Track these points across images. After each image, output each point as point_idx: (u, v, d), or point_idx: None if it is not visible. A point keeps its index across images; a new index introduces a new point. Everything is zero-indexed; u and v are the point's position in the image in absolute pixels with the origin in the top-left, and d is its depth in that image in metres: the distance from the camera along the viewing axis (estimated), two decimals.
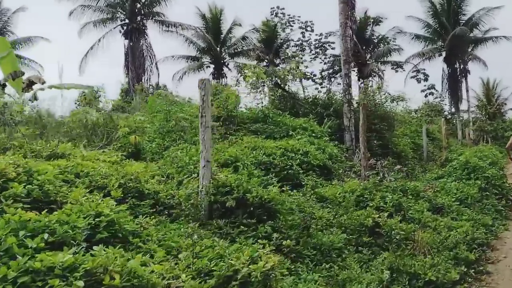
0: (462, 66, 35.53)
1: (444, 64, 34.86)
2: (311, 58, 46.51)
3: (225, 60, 33.92)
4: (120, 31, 26.62)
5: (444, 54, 34.70)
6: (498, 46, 41.61)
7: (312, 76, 36.02)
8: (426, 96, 44.31)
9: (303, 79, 29.84)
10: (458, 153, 14.47)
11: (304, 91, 22.54)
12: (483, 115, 39.80)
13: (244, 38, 33.30)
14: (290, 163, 7.72)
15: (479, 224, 6.83)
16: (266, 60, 42.40)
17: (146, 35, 27.19)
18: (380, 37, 42.41)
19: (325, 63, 45.13)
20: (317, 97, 14.06)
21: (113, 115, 9.19)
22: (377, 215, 5.64)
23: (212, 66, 33.40)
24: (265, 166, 7.33)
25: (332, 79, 33.86)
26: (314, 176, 8.02)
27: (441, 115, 45.38)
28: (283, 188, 6.41)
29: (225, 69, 34.92)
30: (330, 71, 43.37)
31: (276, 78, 13.59)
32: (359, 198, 6.74)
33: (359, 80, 42.56)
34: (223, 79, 36.48)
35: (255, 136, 10.07)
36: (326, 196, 6.82)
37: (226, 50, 34.11)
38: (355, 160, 11.78)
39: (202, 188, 4.70)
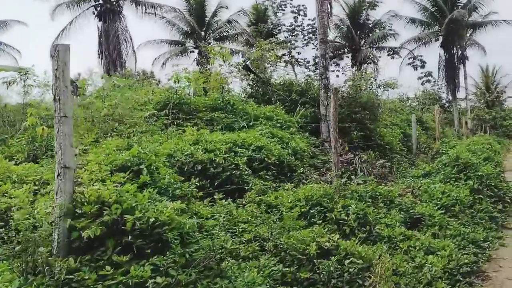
0: (460, 52, 33.86)
1: (441, 50, 33.17)
2: (303, 43, 45.03)
3: (210, 45, 32.16)
4: (94, 13, 24.86)
5: (441, 39, 32.97)
6: (498, 31, 39.98)
7: (305, 62, 34.35)
8: (422, 83, 42.79)
9: (295, 66, 28.21)
10: (451, 145, 12.98)
11: (296, 78, 21.07)
12: (482, 103, 38.24)
13: (230, 21, 31.52)
14: (236, 162, 6.22)
15: (467, 241, 5.36)
16: (255, 45, 40.83)
17: (122, 16, 25.44)
18: (375, 21, 40.70)
19: (317, 49, 43.80)
20: (293, 82, 12.47)
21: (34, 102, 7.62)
22: (326, 238, 4.14)
23: (196, 51, 31.66)
24: (195, 167, 5.83)
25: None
26: (268, 176, 6.52)
27: (438, 103, 43.93)
28: (214, 196, 4.94)
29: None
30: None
31: (247, 61, 12.02)
32: (315, 209, 5.25)
33: (353, 66, 41.13)
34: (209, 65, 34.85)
35: (210, 126, 8.57)
36: (274, 205, 5.34)
37: (211, 34, 32.35)
38: (331, 154, 10.28)
39: (55, 208, 3.19)
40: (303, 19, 44.70)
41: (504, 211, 7.53)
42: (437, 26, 33.13)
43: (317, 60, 40.04)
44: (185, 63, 31.89)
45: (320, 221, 5.01)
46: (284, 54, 40.70)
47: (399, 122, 17.26)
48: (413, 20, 33.45)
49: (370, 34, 39.95)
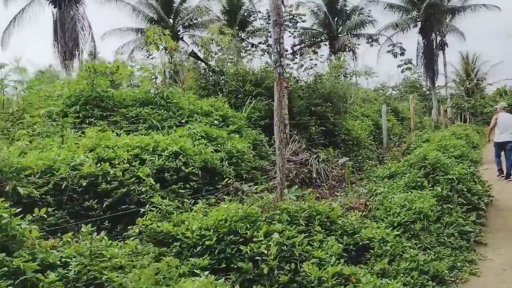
0: (439, 39, 32.86)
1: (420, 36, 32.08)
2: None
3: (179, 33, 30.50)
4: None
5: (419, 25, 31.88)
6: (477, 16, 39.10)
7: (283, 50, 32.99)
8: (402, 71, 41.77)
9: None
10: (423, 139, 11.83)
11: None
12: (461, 90, 37.43)
13: (199, 7, 29.82)
14: (135, 173, 4.85)
15: (426, 275, 4.11)
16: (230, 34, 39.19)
17: (80, 3, 23.60)
18: (352, 8, 39.40)
19: (294, 37, 42.28)
20: (249, 71, 11.09)
21: None
22: None
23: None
24: (79, 183, 4.44)
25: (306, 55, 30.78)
26: (185, 190, 5.17)
27: (419, 91, 43.04)
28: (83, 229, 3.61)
29: (181, 43, 31.56)
30: (302, 45, 40.53)
31: (195, 47, 10.59)
32: (227, 239, 3.94)
33: (330, 54, 39.87)
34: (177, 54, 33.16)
35: (136, 125, 7.17)
36: (171, 237, 4.00)
37: (180, 22, 30.66)
38: (277, 157, 8.98)
39: None
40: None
41: (478, 222, 6.35)
42: (415, 12, 32.02)
43: (295, 48, 38.53)
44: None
45: (228, 260, 3.71)
46: (260, 43, 39.38)
47: (371, 113, 16.09)
48: (391, 6, 32.27)
49: (347, 21, 38.71)
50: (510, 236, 6.22)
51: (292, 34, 42.08)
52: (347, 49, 39.69)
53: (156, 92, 8.04)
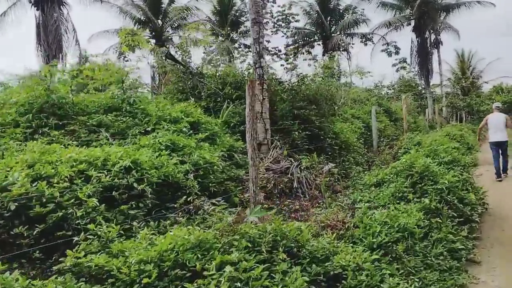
0: (434, 37, 32.35)
1: (413, 34, 31.55)
2: (272, 32, 42.90)
3: (168, 35, 29.85)
4: (30, 1, 22.35)
5: (412, 23, 31.35)
6: (472, 14, 38.52)
7: (277, 52, 32.26)
8: (397, 70, 41.21)
9: (265, 55, 26.14)
10: (414, 142, 11.24)
11: (267, 69, 19.24)
12: (456, 89, 36.88)
13: (188, 8, 29.18)
14: (76, 193, 4.23)
15: None
16: (221, 35, 38.61)
17: (63, 4, 22.95)
18: (346, 7, 38.86)
19: (287, 37, 41.70)
20: (229, 73, 10.47)
21: None
22: None
23: (153, 41, 29.29)
24: (7, 206, 3.82)
25: (299, 55, 30.23)
26: (135, 211, 4.55)
27: (414, 90, 42.48)
28: None
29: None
30: (296, 45, 39.93)
31: (170, 47, 9.99)
32: (171, 274, 3.32)
33: (324, 54, 39.33)
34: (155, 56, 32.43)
35: (95, 134, 6.55)
36: (104, 273, 3.39)
37: (169, 23, 30.01)
38: (265, 161, 8.39)
39: None
40: (273, 6, 42.82)
41: (471, 237, 5.75)
42: (408, 10, 31.49)
43: (288, 49, 37.88)
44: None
45: None
46: (188, 35, 38.70)
47: (362, 114, 15.49)
48: (383, 4, 31.74)
49: (341, 21, 38.17)
50: (506, 252, 5.63)
51: (285, 34, 41.59)
52: (341, 49, 39.27)
53: (122, 97, 7.42)
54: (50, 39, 21.58)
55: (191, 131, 6.95)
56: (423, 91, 38.31)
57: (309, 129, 9.69)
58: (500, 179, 10.98)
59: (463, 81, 37.83)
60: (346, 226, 4.85)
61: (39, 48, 22.07)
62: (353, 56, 41.87)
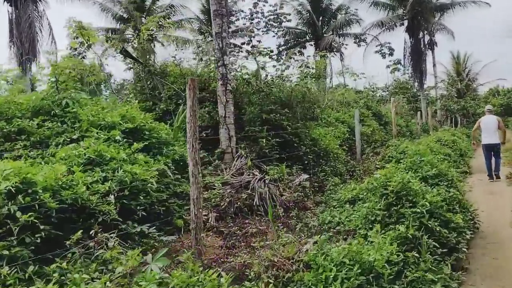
0: (429, 38, 31.39)
1: (406, 35, 30.57)
2: (263, 32, 41.83)
3: (152, 33, 28.72)
4: None
5: (406, 23, 30.38)
6: (468, 15, 37.68)
7: (269, 52, 31.18)
8: (391, 72, 40.22)
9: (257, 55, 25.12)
10: (400, 150, 10.20)
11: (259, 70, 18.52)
12: (451, 91, 35.93)
13: (173, 5, 28.12)
14: None
15: None
16: (209, 34, 37.48)
17: (39, 1, 21.85)
18: (338, 6, 37.87)
19: (278, 37, 40.71)
20: (193, 72, 9.39)
21: None
22: None
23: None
24: None
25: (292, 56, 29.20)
26: (20, 248, 3.47)
27: (409, 92, 41.50)
28: None
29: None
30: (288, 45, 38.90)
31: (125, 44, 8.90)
32: None
33: (315, 55, 38.24)
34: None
35: (12, 143, 5.47)
36: None
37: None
38: (226, 173, 7.29)
39: None
40: (264, 5, 41.71)
41: (456, 274, 4.69)
42: (401, 9, 30.52)
43: (281, 49, 36.77)
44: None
45: None
46: (243, 43, 37.73)
47: (348, 118, 14.45)
48: (376, 3, 30.73)
49: (333, 20, 37.19)
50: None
51: (276, 34, 40.65)
52: (334, 50, 38.27)
53: (53, 98, 6.33)
54: (23, 36, 20.44)
55: (128, 140, 5.86)
56: (418, 93, 37.39)
57: (281, 135, 8.62)
58: (492, 180, 11.44)
59: (458, 83, 36.88)
60: (295, 267, 3.78)
61: (12, 45, 20.93)
62: (346, 57, 40.94)
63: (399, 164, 6.66)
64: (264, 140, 7.89)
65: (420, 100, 31.96)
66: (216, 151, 7.74)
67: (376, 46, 36.48)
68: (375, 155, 12.26)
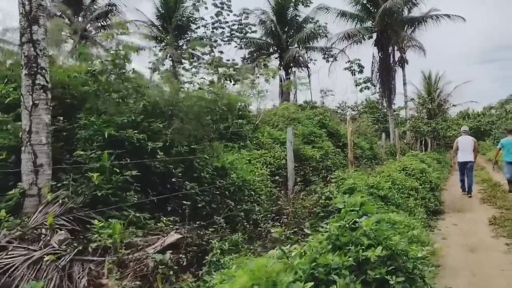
0: (397, 52, 29.02)
1: (375, 49, 28.08)
2: (224, 42, 38.71)
3: (89, 34, 25.25)
4: None
5: (374, 36, 27.91)
6: (440, 33, 35.77)
7: (232, 64, 27.68)
8: (361, 90, 37.75)
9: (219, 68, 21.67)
10: (346, 186, 7.07)
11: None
12: (421, 112, 33.55)
13: (112, 4, 24.77)
14: None
15: None
16: (164, 40, 34.27)
17: None
18: (305, 18, 35.39)
19: (240, 48, 37.74)
20: None
21: None
22: None
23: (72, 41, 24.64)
24: None
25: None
26: None
27: (380, 111, 39.05)
28: None
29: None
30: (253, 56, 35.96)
31: None
32: None
33: (280, 68, 35.53)
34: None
35: None
36: None
37: (94, 24, 25.51)
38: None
39: None
40: (228, 14, 38.84)
41: None
42: (370, 21, 28.07)
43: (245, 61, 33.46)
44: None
45: None
46: (204, 53, 34.58)
47: (279, 136, 11.22)
48: (343, 13, 28.16)
49: (299, 33, 34.59)
50: None
51: (239, 44, 37.47)
52: (301, 65, 35.57)
53: None
54: None
55: None
56: (387, 112, 34.97)
57: (147, 164, 5.31)
58: (465, 193, 12.91)
59: (429, 104, 34.61)
60: None
61: None
62: (314, 73, 38.20)
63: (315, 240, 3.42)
64: (97, 174, 4.52)
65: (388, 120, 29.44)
66: (11, 192, 4.36)
67: (346, 62, 34.03)
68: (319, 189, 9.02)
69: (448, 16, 26.33)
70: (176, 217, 5.36)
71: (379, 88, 28.19)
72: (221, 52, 35.67)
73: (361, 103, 44.70)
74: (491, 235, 7.97)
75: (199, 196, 6.00)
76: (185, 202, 5.16)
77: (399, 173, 10.63)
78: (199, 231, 5.13)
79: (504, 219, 8.79)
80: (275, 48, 35.63)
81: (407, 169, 11.28)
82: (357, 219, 3.68)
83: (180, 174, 5.67)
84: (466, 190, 12.73)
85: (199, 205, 5.95)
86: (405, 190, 9.57)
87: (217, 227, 5.65)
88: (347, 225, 3.60)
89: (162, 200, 5.55)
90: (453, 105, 36.23)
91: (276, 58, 36.34)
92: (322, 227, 3.68)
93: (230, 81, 10.17)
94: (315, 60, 37.76)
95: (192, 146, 6.33)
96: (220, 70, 10.14)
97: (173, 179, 5.55)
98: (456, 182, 15.25)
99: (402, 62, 34.18)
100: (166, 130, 5.70)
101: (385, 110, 35.69)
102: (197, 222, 5.30)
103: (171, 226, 5.02)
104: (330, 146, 14.16)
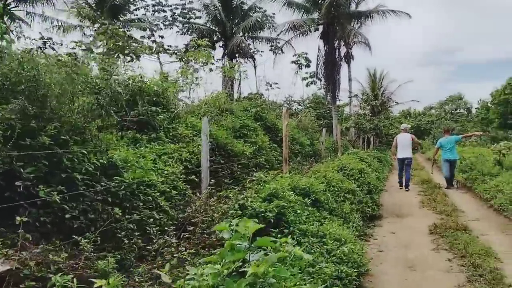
0: (343, 45, 28.44)
1: (321, 42, 27.25)
2: (165, 26, 36.39)
3: (9, 8, 22.41)
4: None
5: (321, 28, 27.09)
6: (386, 31, 35.84)
7: (174, 51, 25.01)
8: (307, 85, 37.00)
9: (161, 53, 19.27)
10: (264, 193, 5.78)
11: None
12: (365, 108, 33.37)
13: None
14: None
15: None
16: (98, 22, 31.61)
17: None
18: (250, 6, 34.10)
19: (183, 33, 35.70)
20: None
21: None
22: None
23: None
24: None
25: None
26: None
27: (324, 108, 38.52)
28: None
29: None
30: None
31: None
32: None
33: (223, 57, 34.01)
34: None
35: None
36: None
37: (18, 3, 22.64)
38: None
39: None
40: None
41: None
42: (316, 13, 27.21)
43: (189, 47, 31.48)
44: None
45: None
46: (143, 37, 32.16)
47: (217, 131, 9.81)
48: (289, 3, 27.06)
49: (244, 21, 33.23)
50: None
51: (181, 29, 35.24)
52: (247, 56, 34.22)
53: None
54: None
55: None
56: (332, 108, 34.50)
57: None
58: (402, 187, 13.73)
59: (373, 101, 34.51)
60: None
61: None
62: (260, 64, 36.99)
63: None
64: None
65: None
66: None
67: (293, 55, 33.05)
68: (238, 192, 7.66)
69: (394, 11, 26.00)
70: (35, 233, 3.84)
71: (324, 83, 27.44)
72: (162, 36, 33.54)
73: (307, 98, 44.16)
74: (431, 247, 7.04)
75: (68, 204, 4.45)
76: (39, 212, 3.61)
77: (336, 173, 9.57)
78: (44, 256, 3.60)
79: (445, 227, 7.93)
80: (219, 36, 34.09)
81: (345, 169, 10.26)
82: (246, 259, 2.37)
83: (31, 175, 4.09)
84: (404, 184, 13.56)
85: (67, 215, 4.40)
86: (341, 193, 8.51)
87: (84, 247, 4.12)
88: (226, 272, 2.27)
89: (6, 210, 3.95)
90: (396, 103, 36.35)
91: (221, 46, 34.84)
92: (189, 273, 2.31)
93: (131, 58, 8.56)
94: (262, 51, 36.56)
95: (63, 137, 4.75)
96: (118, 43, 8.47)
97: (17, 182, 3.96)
98: (396, 182, 14.63)
99: (348, 57, 33.82)
100: (13, 114, 4.09)
101: (330, 106, 35.24)
102: (46, 243, 3.77)
103: (2, 251, 3.46)
104: (266, 141, 12.85)
